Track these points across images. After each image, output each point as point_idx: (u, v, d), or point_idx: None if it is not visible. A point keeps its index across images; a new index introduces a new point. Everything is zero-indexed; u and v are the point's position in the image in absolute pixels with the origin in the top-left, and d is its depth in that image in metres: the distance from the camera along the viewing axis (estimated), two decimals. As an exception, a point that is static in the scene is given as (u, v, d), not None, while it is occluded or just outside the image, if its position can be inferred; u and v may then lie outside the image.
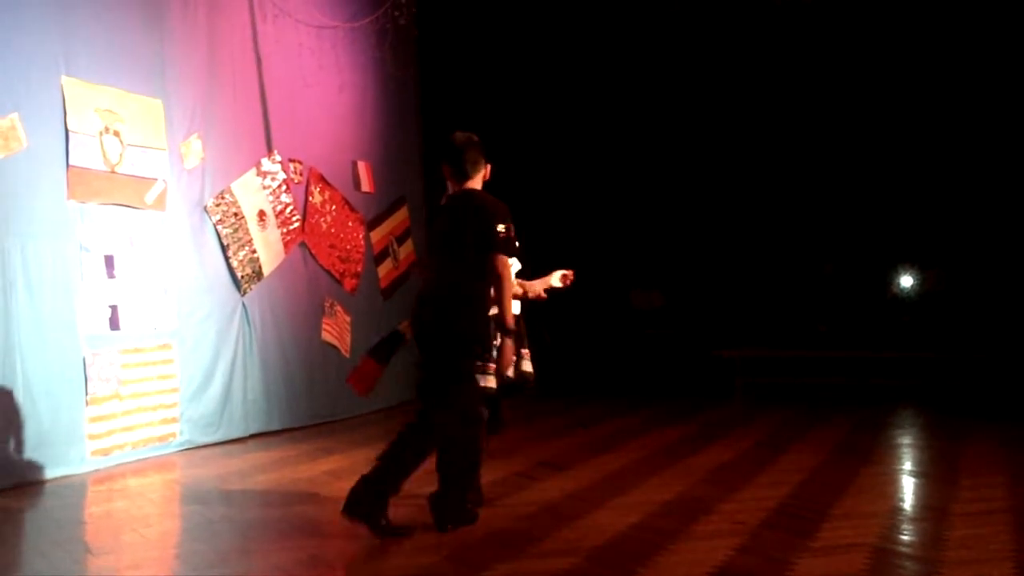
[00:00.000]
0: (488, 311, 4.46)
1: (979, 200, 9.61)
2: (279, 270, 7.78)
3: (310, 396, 7.99)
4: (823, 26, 9.89)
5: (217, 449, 6.87)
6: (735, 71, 10.34)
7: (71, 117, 6.01)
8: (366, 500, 4.25)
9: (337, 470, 6.04)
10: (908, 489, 5.50)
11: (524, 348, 4.85)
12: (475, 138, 4.55)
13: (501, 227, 4.33)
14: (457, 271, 4.37)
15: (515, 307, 4.81)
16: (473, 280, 4.36)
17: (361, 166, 9.00)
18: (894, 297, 10.47)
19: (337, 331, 8.45)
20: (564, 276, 5.03)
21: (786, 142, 10.35)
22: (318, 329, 8.24)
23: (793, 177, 10.38)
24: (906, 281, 10.42)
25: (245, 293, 7.43)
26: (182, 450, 6.72)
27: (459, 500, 4.41)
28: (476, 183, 4.50)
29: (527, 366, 4.83)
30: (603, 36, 10.59)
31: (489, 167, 4.56)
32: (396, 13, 9.03)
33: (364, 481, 4.28)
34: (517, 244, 4.53)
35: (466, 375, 4.36)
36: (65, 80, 6.00)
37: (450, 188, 4.55)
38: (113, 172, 6.34)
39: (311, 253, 8.19)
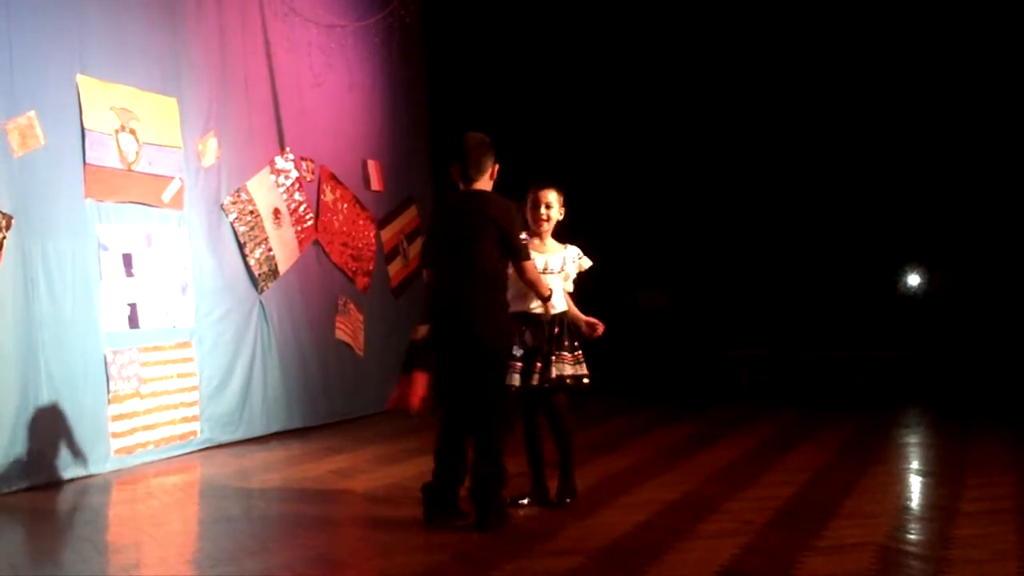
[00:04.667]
0: (508, 310, 4.54)
1: (988, 199, 9.57)
2: (294, 268, 7.83)
3: (328, 394, 8.04)
4: (835, 24, 9.87)
5: (238, 448, 6.92)
6: (743, 67, 10.32)
7: (87, 115, 6.06)
8: (435, 506, 4.46)
9: (347, 468, 6.09)
10: (915, 488, 5.51)
11: (552, 354, 4.76)
12: (485, 138, 4.57)
13: (523, 236, 4.61)
14: (475, 275, 4.40)
15: (560, 304, 4.83)
16: (494, 284, 4.45)
17: (371, 165, 9.04)
18: (901, 295, 10.45)
19: (351, 329, 8.49)
20: (592, 325, 4.96)
21: (792, 141, 10.33)
22: (333, 327, 8.30)
23: (800, 175, 10.35)
24: (913, 280, 10.40)
25: (262, 291, 7.48)
26: (203, 449, 6.77)
27: (499, 496, 4.49)
28: (482, 184, 4.55)
29: (566, 369, 4.80)
30: (611, 33, 10.60)
31: (496, 167, 4.59)
32: (402, 12, 9.07)
33: (426, 490, 4.47)
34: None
35: (497, 376, 4.48)
36: (80, 79, 6.05)
37: (461, 187, 4.58)
38: (129, 170, 6.39)
39: (324, 251, 8.23)
